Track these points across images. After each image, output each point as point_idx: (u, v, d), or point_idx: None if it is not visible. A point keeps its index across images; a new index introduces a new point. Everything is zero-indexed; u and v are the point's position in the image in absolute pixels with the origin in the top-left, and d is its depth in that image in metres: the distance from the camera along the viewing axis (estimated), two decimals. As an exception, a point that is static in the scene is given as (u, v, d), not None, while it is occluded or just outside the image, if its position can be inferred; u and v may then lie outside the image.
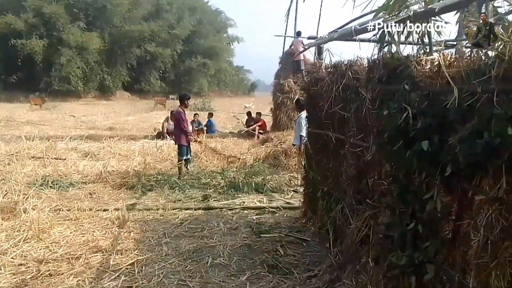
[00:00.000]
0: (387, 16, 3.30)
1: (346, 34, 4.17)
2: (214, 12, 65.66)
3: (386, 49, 3.58)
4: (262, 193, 7.03)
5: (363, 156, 3.64)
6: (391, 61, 3.25)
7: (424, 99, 2.75)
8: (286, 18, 13.57)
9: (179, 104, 8.75)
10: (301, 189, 7.13)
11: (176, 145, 8.63)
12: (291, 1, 13.43)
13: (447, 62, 2.55)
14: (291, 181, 7.68)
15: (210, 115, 15.74)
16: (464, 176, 2.31)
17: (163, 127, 14.56)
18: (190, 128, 9.04)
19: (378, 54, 3.60)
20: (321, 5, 13.63)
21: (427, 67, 2.81)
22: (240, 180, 7.30)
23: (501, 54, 2.00)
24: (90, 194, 7.06)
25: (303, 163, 5.68)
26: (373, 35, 3.74)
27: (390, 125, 2.99)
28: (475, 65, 2.35)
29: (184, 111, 8.43)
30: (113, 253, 4.41)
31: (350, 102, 3.99)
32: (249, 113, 15.92)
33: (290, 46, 13.96)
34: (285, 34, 13.83)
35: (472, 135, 2.16)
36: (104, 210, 6.06)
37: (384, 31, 3.49)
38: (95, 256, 4.38)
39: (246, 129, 14.49)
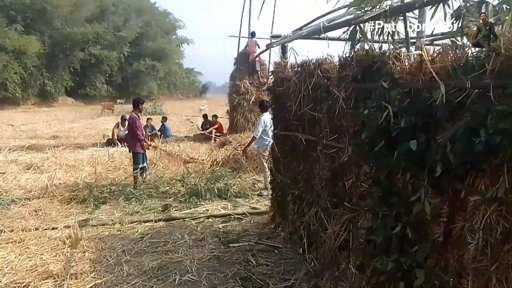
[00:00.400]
0: (359, 12, 3.16)
1: (314, 32, 4.02)
2: (162, 13, 64.22)
3: (358, 46, 3.44)
4: (226, 199, 6.76)
5: (338, 157, 3.50)
6: (365, 58, 3.12)
7: (405, 96, 2.63)
8: (240, 19, 13.48)
9: (132, 109, 8.24)
10: (265, 193, 6.97)
11: (131, 153, 8.12)
12: (244, 1, 13.39)
13: (430, 57, 2.44)
14: (255, 185, 7.47)
15: (164, 119, 15.19)
16: (456, 176, 2.20)
17: (113, 134, 13.83)
18: (144, 133, 8.54)
19: (350, 51, 3.47)
20: (274, 5, 13.64)
21: (407, 63, 2.70)
22: (201, 187, 6.98)
23: (496, 47, 1.89)
24: (36, 211, 6.40)
25: (268, 166, 5.47)
26: (343, 32, 3.60)
27: (370, 124, 2.86)
28: (461, 60, 2.26)
29: (138, 117, 7.95)
30: (66, 278, 3.94)
31: (321, 102, 3.84)
32: (205, 116, 15.54)
33: (245, 47, 13.79)
34: (240, 34, 13.67)
35: (466, 133, 2.05)
36: (53, 229, 5.50)
37: (355, 27, 3.35)
38: (45, 283, 3.89)
39: (202, 132, 14.10)
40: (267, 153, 7.25)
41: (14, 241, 4.97)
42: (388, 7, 2.84)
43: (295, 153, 4.53)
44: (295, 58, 4.78)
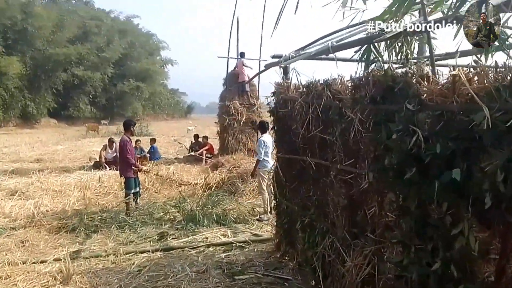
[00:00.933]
0: (375, 30, 3.01)
1: (322, 52, 3.86)
2: (145, 34, 64.36)
3: (372, 66, 3.28)
4: (225, 225, 6.45)
5: (356, 184, 3.28)
6: (384, 78, 2.95)
7: (436, 119, 2.45)
8: (229, 39, 13.40)
9: (123, 131, 7.93)
10: (266, 217, 6.70)
11: (121, 177, 7.78)
12: (232, 23, 13.35)
13: (466, 78, 2.27)
14: (254, 209, 7.19)
15: (153, 140, 14.83)
16: (508, 208, 2.00)
17: (100, 156, 13.40)
18: (135, 157, 8.20)
19: (364, 71, 3.30)
20: (262, 27, 13.63)
21: (437, 84, 2.52)
22: (198, 212, 6.66)
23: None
24: (22, 242, 5.98)
25: (269, 190, 5.22)
26: (355, 52, 3.44)
27: (397, 149, 2.66)
28: (504, 80, 2.09)
29: (130, 140, 7.63)
30: (60, 320, 3.59)
31: (332, 124, 3.65)
32: (196, 136, 15.24)
33: (235, 68, 13.67)
34: (228, 55, 13.58)
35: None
36: (42, 262, 5.11)
37: (369, 46, 3.19)
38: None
39: (193, 153, 13.78)
40: (267, 175, 7.02)
41: (0, 277, 4.57)
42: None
43: (303, 177, 4.30)
44: (297, 78, 4.64)
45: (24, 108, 40.83)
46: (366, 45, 3.22)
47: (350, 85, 3.49)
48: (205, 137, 14.49)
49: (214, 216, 6.60)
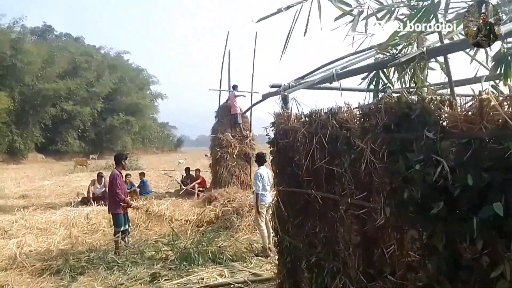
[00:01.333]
0: (383, 56, 2.84)
1: (326, 80, 3.69)
2: (135, 69, 64.94)
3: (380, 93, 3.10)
4: (221, 263, 6.07)
5: (371, 219, 3.02)
6: (398, 105, 2.76)
7: (463, 148, 2.24)
8: (220, 72, 13.38)
9: (114, 165, 7.62)
10: (264, 254, 6.34)
11: (110, 214, 7.40)
12: (224, 56, 13.37)
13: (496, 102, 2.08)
14: (252, 245, 6.82)
15: (142, 174, 14.46)
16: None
17: (88, 191, 12.98)
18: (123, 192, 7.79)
19: (373, 98, 3.11)
20: (253, 59, 13.68)
21: (461, 110, 2.33)
22: (193, 250, 6.27)
23: None
24: (2, 286, 5.54)
25: (269, 225, 4.91)
26: (362, 79, 3.27)
27: (419, 182, 2.43)
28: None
29: (121, 174, 7.31)
30: None
31: (340, 155, 3.42)
32: (187, 169, 14.89)
33: (227, 100, 13.58)
34: (220, 88, 13.51)
35: None
36: (22, 310, 4.67)
37: (378, 73, 3.02)
38: None
39: (185, 187, 13.40)
40: (265, 210, 6.72)
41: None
42: (425, 48, 2.51)
43: (308, 212, 4.02)
44: (298, 108, 4.46)
45: (11, 143, 40.18)
46: (374, 72, 3.06)
47: (358, 113, 3.29)
48: (197, 170, 14.19)
49: (210, 254, 6.22)
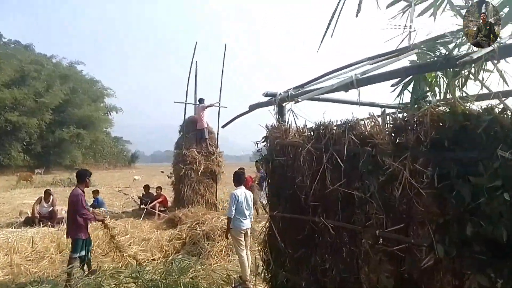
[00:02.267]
0: (430, 54, 2.32)
1: (343, 86, 3.12)
2: (89, 81, 62.06)
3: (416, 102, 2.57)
4: (195, 299, 5.27)
5: (411, 258, 2.43)
6: (453, 117, 2.23)
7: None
8: (187, 85, 12.63)
9: (76, 183, 6.65)
10: (240, 287, 5.61)
11: (68, 239, 6.40)
12: (190, 68, 12.66)
13: None
14: (230, 276, 6.04)
15: (96, 192, 13.18)
16: None
17: (33, 211, 11.52)
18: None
19: (410, 108, 2.58)
20: (222, 73, 13.08)
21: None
22: (162, 283, 5.40)
23: None
24: None
25: (263, 257, 4.21)
26: (392, 86, 2.73)
27: (496, 216, 1.88)
28: None
29: (83, 193, 6.36)
30: None
31: (362, 177, 2.84)
32: (146, 187, 13.80)
33: (196, 113, 12.81)
34: (186, 101, 12.73)
35: None
36: None
37: (418, 78, 2.50)
38: None
39: (145, 207, 12.33)
40: (242, 237, 6.00)
41: None
42: (497, 45, 2.01)
43: (314, 244, 3.40)
44: (295, 121, 3.87)
45: None
46: (411, 76, 2.54)
47: (387, 127, 2.74)
48: (159, 188, 13.18)
49: (182, 286, 5.38)
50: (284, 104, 4.06)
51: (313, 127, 3.46)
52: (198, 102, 12.82)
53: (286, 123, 3.98)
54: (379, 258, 2.69)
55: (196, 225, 8.03)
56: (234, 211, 5.96)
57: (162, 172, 29.37)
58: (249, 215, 6.08)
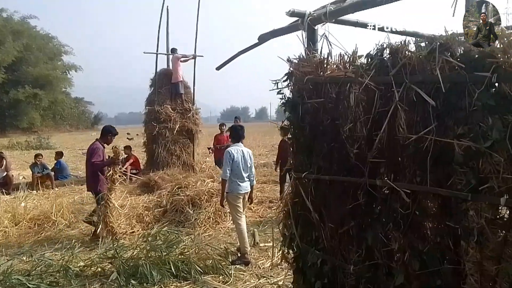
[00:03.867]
0: None
1: None
2: (44, 37, 57.49)
3: None
4: (188, 279, 4.30)
5: None
6: None
7: None
8: (158, 32, 11.13)
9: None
10: (241, 261, 4.74)
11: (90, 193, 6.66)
12: (161, 13, 11.12)
13: None
14: (227, 249, 5.11)
15: (59, 155, 11.76)
16: None
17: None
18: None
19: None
20: (197, 19, 11.61)
21: None
22: (144, 261, 4.40)
23: None
24: None
25: (283, 231, 3.25)
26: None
27: None
28: None
29: (103, 147, 6.29)
30: None
31: (474, 118, 1.88)
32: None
33: (171, 65, 11.38)
34: (157, 51, 11.27)
35: None
36: None
37: None
38: None
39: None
40: (240, 202, 5.06)
41: None
42: None
43: (372, 217, 2.45)
44: (329, 50, 2.81)
45: None
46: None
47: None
48: (128, 148, 11.91)
49: (171, 265, 4.39)
50: (316, 27, 2.98)
51: (371, 53, 2.43)
52: (171, 52, 11.41)
53: (320, 53, 2.91)
54: (502, 239, 1.77)
55: (178, 190, 6.98)
56: (229, 172, 4.97)
57: (128, 137, 27.67)
58: (248, 177, 5.10)
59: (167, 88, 11.42)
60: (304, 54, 2.97)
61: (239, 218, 4.95)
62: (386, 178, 2.32)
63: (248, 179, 5.10)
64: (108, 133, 6.40)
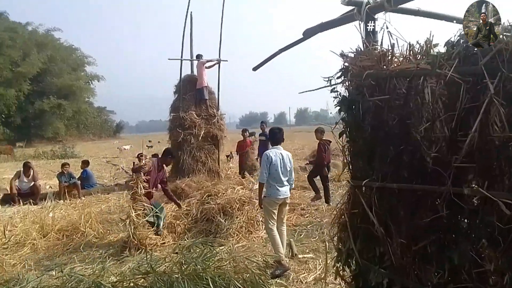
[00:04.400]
0: None
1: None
2: (67, 48, 58.94)
3: None
4: (228, 297, 3.98)
5: None
6: None
7: None
8: (182, 39, 10.97)
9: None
10: (280, 270, 4.39)
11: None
12: (186, 20, 10.96)
13: None
14: (267, 262, 4.78)
15: (85, 163, 11.67)
16: None
17: (11, 187, 10.03)
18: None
19: None
20: (221, 24, 11.42)
21: None
22: (178, 275, 4.10)
23: None
24: None
25: (337, 245, 2.91)
26: None
27: None
28: None
29: (157, 165, 6.45)
30: None
31: None
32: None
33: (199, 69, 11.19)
34: (182, 57, 11.12)
35: None
36: None
37: None
38: None
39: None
40: (276, 208, 4.75)
41: None
42: None
43: (457, 232, 2.08)
44: (390, 41, 2.47)
45: None
46: None
47: None
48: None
49: (209, 280, 4.08)
50: (376, 17, 2.65)
51: (451, 42, 2.09)
52: (196, 58, 11.23)
53: (387, 45, 2.57)
54: None
55: (207, 198, 6.70)
56: (266, 175, 4.70)
57: (148, 145, 27.81)
58: (287, 181, 4.81)
59: (192, 94, 11.28)
60: (362, 47, 2.64)
61: (273, 225, 4.69)
62: (476, 186, 1.96)
63: (288, 184, 4.82)
64: (167, 154, 6.85)
